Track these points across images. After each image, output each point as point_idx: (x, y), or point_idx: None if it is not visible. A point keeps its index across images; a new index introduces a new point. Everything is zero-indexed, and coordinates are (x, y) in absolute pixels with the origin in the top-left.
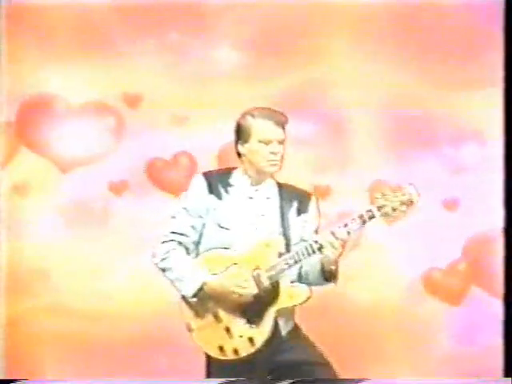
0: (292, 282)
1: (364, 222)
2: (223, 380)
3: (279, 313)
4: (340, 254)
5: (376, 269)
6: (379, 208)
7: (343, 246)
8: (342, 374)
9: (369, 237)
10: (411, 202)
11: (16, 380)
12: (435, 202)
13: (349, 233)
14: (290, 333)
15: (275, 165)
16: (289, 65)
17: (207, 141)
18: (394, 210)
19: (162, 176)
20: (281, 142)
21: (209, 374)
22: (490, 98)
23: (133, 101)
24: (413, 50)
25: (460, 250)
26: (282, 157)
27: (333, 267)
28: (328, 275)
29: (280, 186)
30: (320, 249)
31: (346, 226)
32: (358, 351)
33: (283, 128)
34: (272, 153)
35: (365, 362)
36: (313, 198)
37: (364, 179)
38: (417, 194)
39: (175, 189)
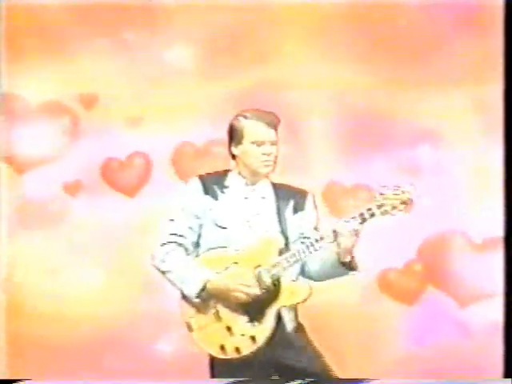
0: (294, 280)
1: (364, 220)
2: (227, 381)
3: (283, 309)
4: (354, 245)
5: None
6: (379, 206)
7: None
8: None
9: None
10: (410, 200)
11: (16, 380)
12: None
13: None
14: (295, 329)
15: (268, 165)
16: (242, 65)
17: (162, 141)
18: (393, 208)
19: (117, 176)
20: (273, 143)
21: (213, 375)
22: (446, 98)
23: (88, 101)
24: (366, 49)
25: (415, 250)
26: (276, 158)
27: (348, 258)
28: (347, 266)
29: (275, 185)
30: (321, 245)
31: (346, 222)
32: None
33: (275, 129)
34: (264, 154)
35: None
36: (309, 196)
37: (318, 181)
38: (416, 192)
39: (130, 189)
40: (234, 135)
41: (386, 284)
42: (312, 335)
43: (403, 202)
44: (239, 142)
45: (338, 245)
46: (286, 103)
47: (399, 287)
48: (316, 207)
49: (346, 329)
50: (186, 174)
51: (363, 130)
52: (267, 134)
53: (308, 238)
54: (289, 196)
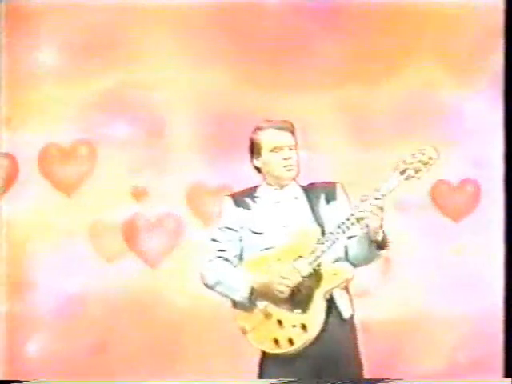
0: (335, 262)
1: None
2: (272, 381)
3: (336, 294)
4: (382, 221)
5: (194, 269)
6: (402, 172)
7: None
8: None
9: (187, 238)
10: (431, 159)
11: (16, 380)
12: None
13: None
14: (351, 318)
15: (291, 169)
16: (106, 65)
17: (29, 142)
18: (416, 171)
19: None
20: (291, 148)
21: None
22: (308, 98)
23: None
24: (229, 50)
25: None
26: (297, 162)
27: (379, 237)
28: (378, 244)
29: (303, 186)
30: (355, 222)
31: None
32: (179, 351)
33: (292, 134)
34: (285, 159)
35: (184, 362)
36: (338, 186)
37: (181, 181)
38: (436, 152)
39: None
40: (253, 149)
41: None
42: (175, 336)
43: (425, 163)
44: (259, 154)
45: (367, 225)
46: (150, 103)
47: None
48: (347, 195)
49: (211, 329)
50: (51, 174)
51: (228, 131)
52: (284, 139)
53: (342, 222)
54: (319, 190)
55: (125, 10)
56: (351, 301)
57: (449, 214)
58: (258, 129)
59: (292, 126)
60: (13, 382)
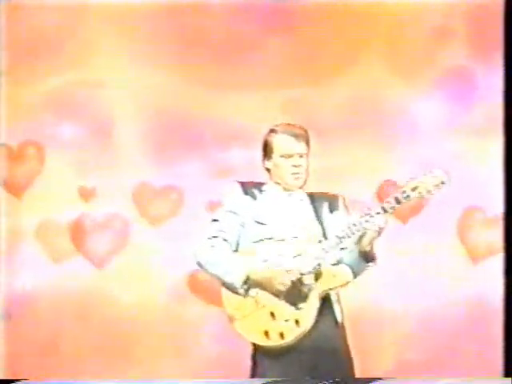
0: (335, 264)
1: (399, 203)
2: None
3: (332, 297)
4: (377, 235)
5: (141, 269)
6: (413, 189)
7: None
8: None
9: (134, 238)
10: (443, 183)
11: (16, 380)
12: (200, 204)
13: (385, 211)
14: (342, 323)
15: (299, 178)
16: (56, 66)
17: None
18: (428, 191)
19: None
20: (302, 156)
21: (255, 366)
22: (256, 99)
23: None
24: (178, 51)
25: None
26: (306, 170)
27: (368, 248)
28: (365, 256)
29: (308, 193)
30: (355, 232)
31: (382, 207)
32: (124, 351)
33: (305, 142)
34: (294, 166)
35: (131, 361)
36: (340, 198)
37: (129, 181)
38: (446, 176)
39: None
40: (266, 150)
41: (196, 284)
42: (121, 336)
43: (436, 186)
44: (270, 157)
45: (364, 235)
46: (97, 104)
47: (209, 287)
48: (347, 208)
49: (156, 329)
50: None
51: (176, 131)
52: (295, 146)
53: (349, 227)
54: (322, 198)
55: (71, 9)
56: (341, 307)
57: (396, 214)
58: (273, 131)
59: (306, 133)
60: (11, 381)
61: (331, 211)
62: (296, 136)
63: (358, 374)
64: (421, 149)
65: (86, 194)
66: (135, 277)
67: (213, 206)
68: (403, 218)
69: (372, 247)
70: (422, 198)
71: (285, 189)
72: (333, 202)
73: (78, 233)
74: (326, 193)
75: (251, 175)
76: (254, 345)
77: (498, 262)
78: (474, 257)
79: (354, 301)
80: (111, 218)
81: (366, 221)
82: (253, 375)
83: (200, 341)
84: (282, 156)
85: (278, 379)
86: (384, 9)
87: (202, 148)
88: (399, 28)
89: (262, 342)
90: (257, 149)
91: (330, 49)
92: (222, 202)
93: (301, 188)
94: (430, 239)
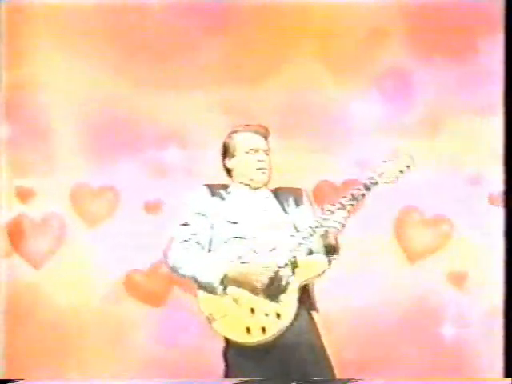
0: (310, 254)
1: (368, 189)
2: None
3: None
4: (341, 228)
5: (78, 270)
6: (380, 175)
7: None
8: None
9: (71, 238)
10: (408, 167)
11: (16, 380)
12: (138, 204)
13: (355, 199)
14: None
15: (264, 173)
16: None
17: None
18: (395, 177)
19: None
20: (266, 153)
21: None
22: (191, 99)
23: None
24: (113, 51)
25: (161, 252)
26: (270, 167)
27: (333, 241)
28: (329, 249)
29: (272, 190)
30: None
31: (351, 194)
32: (61, 352)
33: (266, 139)
34: (259, 161)
35: (68, 362)
36: (304, 193)
37: (66, 182)
38: (413, 160)
39: None
40: (227, 150)
41: (133, 285)
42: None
43: (402, 171)
44: (232, 155)
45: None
46: (34, 104)
47: (145, 289)
48: (311, 201)
49: (92, 329)
50: None
51: (113, 131)
52: (259, 142)
53: (312, 224)
54: (287, 193)
55: (5, 9)
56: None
57: None
58: (234, 132)
59: (267, 131)
60: (10, 381)
61: (297, 205)
62: (259, 133)
63: None
64: (357, 149)
65: (24, 195)
66: (72, 277)
67: (149, 205)
68: None
69: (336, 240)
70: (389, 183)
71: (250, 187)
72: (297, 196)
73: (15, 233)
74: (289, 188)
75: (187, 175)
76: (227, 343)
77: (435, 261)
78: (411, 257)
79: None
80: (49, 218)
81: (330, 215)
82: (226, 374)
83: (137, 341)
84: (247, 152)
85: (253, 379)
86: (319, 8)
87: (138, 148)
88: (334, 27)
89: (244, 338)
90: (193, 148)
91: (266, 48)
92: (189, 205)
93: (266, 184)
94: (366, 239)
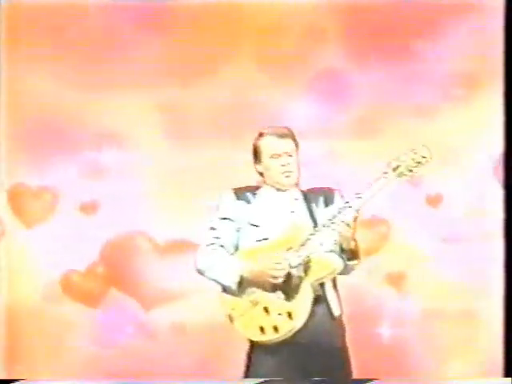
0: (326, 253)
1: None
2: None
3: (327, 291)
4: (354, 231)
5: (15, 270)
6: (394, 169)
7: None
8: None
9: (8, 238)
10: (424, 157)
11: (16, 380)
12: (74, 205)
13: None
14: (340, 316)
15: (289, 176)
16: None
17: None
18: (409, 170)
19: None
20: (290, 154)
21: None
22: (128, 100)
23: None
24: (52, 51)
25: (98, 252)
26: (297, 168)
27: (352, 245)
28: (349, 254)
29: (304, 191)
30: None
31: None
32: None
33: (292, 140)
34: (283, 165)
35: (6, 361)
36: (336, 193)
37: (4, 182)
38: (429, 153)
39: None
40: (256, 154)
41: (69, 286)
42: None
43: (418, 163)
44: (260, 160)
45: (340, 232)
46: None
47: (82, 289)
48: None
49: (29, 330)
50: None
51: (49, 132)
52: (282, 146)
53: (329, 219)
54: (318, 194)
55: None
56: (339, 300)
57: None
58: (260, 135)
59: (291, 132)
60: (12, 381)
61: (326, 205)
62: (281, 136)
63: None
64: None
65: None
66: (9, 277)
67: (85, 206)
68: None
69: (356, 245)
70: (403, 177)
71: (278, 189)
72: (329, 196)
73: None
74: (321, 188)
75: (123, 176)
76: (251, 342)
77: (373, 262)
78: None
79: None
80: None
81: (339, 212)
82: (247, 372)
83: (73, 341)
84: (271, 157)
85: (273, 379)
86: (255, 8)
87: (75, 149)
88: (270, 28)
89: (259, 337)
90: (130, 149)
91: (202, 48)
92: (217, 210)
93: (295, 185)
94: None
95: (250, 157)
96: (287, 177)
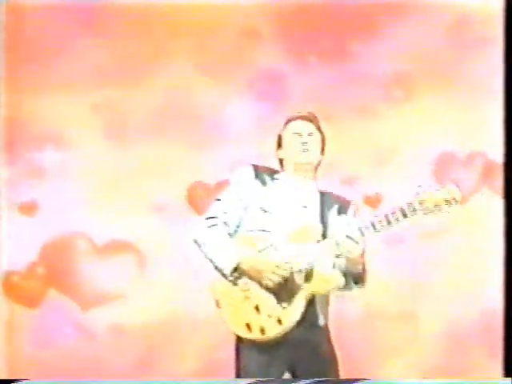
0: (328, 269)
1: (405, 216)
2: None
3: (317, 299)
4: (363, 254)
5: None
6: (421, 202)
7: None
8: None
9: None
10: (454, 200)
11: (16, 380)
12: (13, 205)
13: (389, 223)
14: (325, 327)
15: (307, 150)
16: None
17: None
18: (436, 206)
19: None
20: (310, 134)
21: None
22: (66, 101)
23: None
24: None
25: (37, 253)
26: (317, 148)
27: (359, 268)
28: (356, 277)
29: (322, 192)
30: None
31: (386, 217)
32: None
33: (313, 123)
34: (303, 143)
35: None
36: (352, 205)
37: None
38: (459, 192)
39: None
40: (279, 141)
41: (9, 287)
42: None
43: (447, 201)
44: (281, 145)
45: (347, 253)
46: None
47: (21, 290)
48: (356, 216)
49: None
50: None
51: None
52: (304, 126)
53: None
54: (334, 200)
55: None
56: (328, 309)
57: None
58: (286, 123)
59: (314, 116)
60: (12, 381)
61: (339, 213)
62: (304, 118)
63: None
64: (231, 149)
65: None
66: None
67: (24, 206)
68: None
69: (364, 269)
70: (429, 213)
71: (298, 180)
72: (343, 205)
73: None
74: (339, 196)
75: (63, 176)
76: (238, 336)
77: None
78: None
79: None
80: None
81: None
82: (237, 366)
83: (12, 342)
84: (294, 133)
85: (266, 379)
86: (192, 9)
87: (14, 149)
88: (207, 29)
89: (244, 334)
90: (69, 150)
91: (140, 50)
92: (230, 182)
93: (314, 170)
94: None
95: (188, 156)
96: (304, 151)
